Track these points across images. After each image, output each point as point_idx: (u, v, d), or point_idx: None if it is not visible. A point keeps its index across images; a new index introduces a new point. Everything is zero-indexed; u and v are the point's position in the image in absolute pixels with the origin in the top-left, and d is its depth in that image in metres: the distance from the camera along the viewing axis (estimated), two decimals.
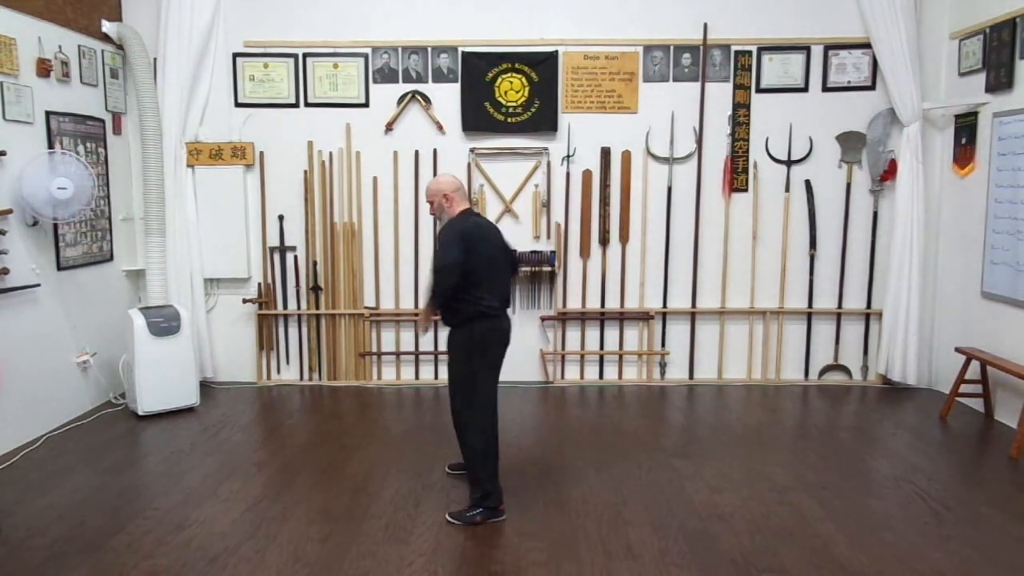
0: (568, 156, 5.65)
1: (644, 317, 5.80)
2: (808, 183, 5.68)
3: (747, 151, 5.65)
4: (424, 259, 5.72)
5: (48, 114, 4.69)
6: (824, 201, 5.70)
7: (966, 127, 5.27)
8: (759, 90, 5.61)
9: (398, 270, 5.77)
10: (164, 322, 5.06)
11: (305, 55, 5.58)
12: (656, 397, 5.54)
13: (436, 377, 5.85)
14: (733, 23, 5.53)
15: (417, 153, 5.67)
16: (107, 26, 5.30)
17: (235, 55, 5.57)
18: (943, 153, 5.55)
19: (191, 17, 5.34)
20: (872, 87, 5.57)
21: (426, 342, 5.82)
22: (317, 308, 5.80)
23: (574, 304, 5.79)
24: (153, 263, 5.45)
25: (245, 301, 5.72)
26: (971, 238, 5.20)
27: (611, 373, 5.87)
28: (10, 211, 4.36)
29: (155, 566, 3.11)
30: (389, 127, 5.65)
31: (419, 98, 5.61)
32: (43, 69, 4.63)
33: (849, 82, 5.58)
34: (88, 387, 5.13)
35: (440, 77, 5.60)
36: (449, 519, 3.49)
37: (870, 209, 5.69)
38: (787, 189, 5.70)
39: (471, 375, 3.53)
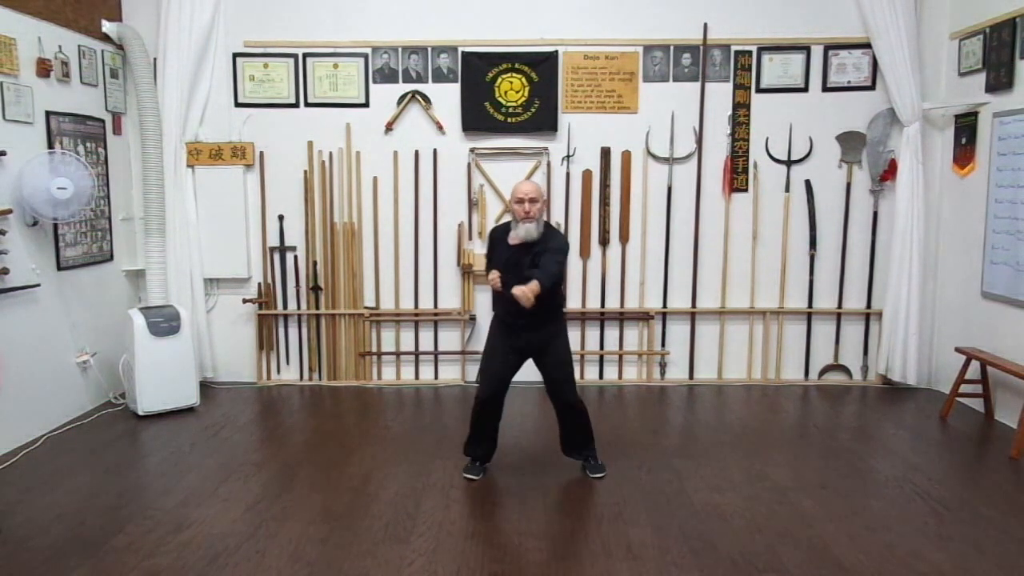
0: (568, 156, 5.65)
1: (644, 317, 5.80)
2: (808, 183, 5.69)
3: (747, 151, 5.65)
4: (423, 258, 5.74)
5: (48, 114, 4.69)
6: (824, 201, 5.70)
7: (966, 127, 5.27)
8: (759, 90, 5.61)
9: (398, 270, 5.77)
10: (164, 322, 5.06)
11: (305, 55, 5.58)
12: (656, 397, 5.54)
13: (436, 377, 5.85)
14: (733, 23, 5.53)
15: (417, 153, 5.68)
16: (107, 26, 5.30)
17: (235, 55, 5.58)
18: (943, 153, 5.55)
19: (191, 17, 5.34)
20: (872, 87, 5.57)
21: (426, 342, 5.82)
22: (317, 308, 5.80)
23: (574, 304, 5.79)
24: (153, 263, 5.45)
25: (245, 301, 5.72)
26: (971, 238, 5.20)
27: (611, 373, 5.87)
28: (10, 211, 4.36)
29: (155, 566, 3.11)
30: (389, 127, 5.65)
31: (419, 98, 5.61)
32: (43, 69, 4.63)
33: (849, 82, 5.58)
34: (88, 387, 5.13)
35: (440, 77, 5.60)
36: (597, 475, 3.98)
37: (870, 209, 5.69)
38: (787, 189, 5.70)
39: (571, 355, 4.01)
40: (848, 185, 5.68)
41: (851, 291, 5.77)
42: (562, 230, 5.69)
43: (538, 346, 3.85)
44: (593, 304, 5.80)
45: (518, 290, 3.45)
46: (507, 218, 5.63)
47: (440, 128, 5.64)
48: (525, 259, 3.70)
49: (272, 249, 5.77)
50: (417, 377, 5.87)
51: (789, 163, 5.67)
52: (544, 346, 3.85)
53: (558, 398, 3.91)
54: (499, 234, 3.93)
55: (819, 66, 5.57)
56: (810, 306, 5.78)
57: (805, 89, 5.60)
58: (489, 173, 5.67)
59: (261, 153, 5.67)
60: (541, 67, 5.55)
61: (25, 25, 4.51)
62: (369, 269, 5.79)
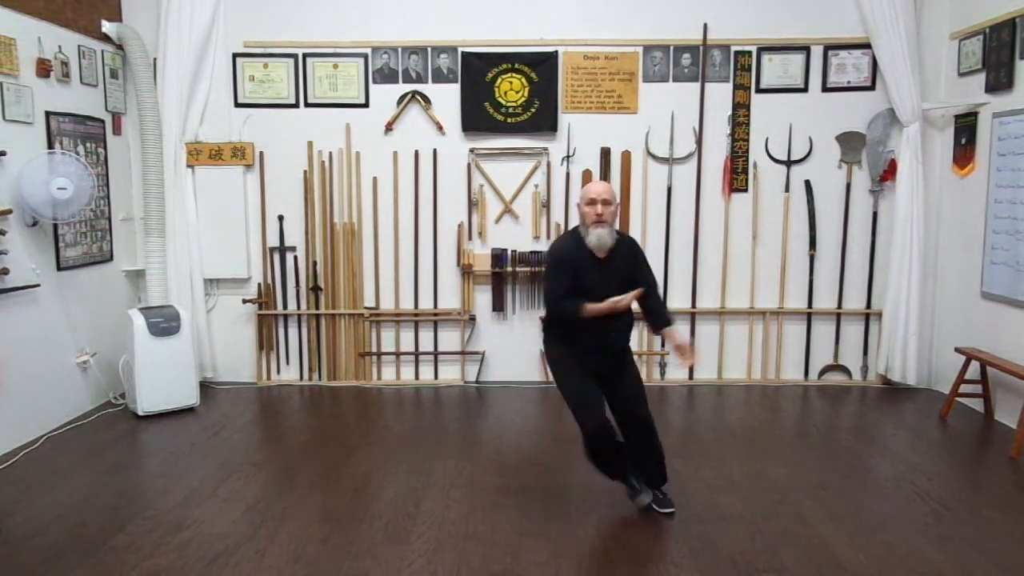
0: (568, 156, 5.65)
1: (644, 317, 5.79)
2: (808, 183, 5.69)
3: (747, 151, 5.65)
4: (424, 258, 5.74)
5: (48, 114, 4.69)
6: (824, 201, 5.69)
7: (966, 127, 5.27)
8: (759, 90, 5.61)
9: (398, 270, 5.77)
10: (164, 322, 5.06)
11: (305, 55, 5.58)
12: (656, 397, 5.52)
13: (436, 377, 5.85)
14: (733, 23, 5.53)
15: (417, 153, 5.68)
16: (107, 26, 5.30)
17: (235, 55, 5.57)
18: (943, 153, 5.55)
19: (191, 17, 5.34)
20: (872, 87, 5.57)
21: (426, 343, 5.82)
22: (317, 308, 5.80)
23: None
24: (153, 263, 5.45)
25: (245, 301, 5.72)
26: (971, 238, 5.20)
27: None
28: (10, 211, 4.36)
29: (155, 566, 3.11)
30: (389, 127, 5.65)
31: (419, 98, 5.61)
32: (43, 69, 4.63)
33: (849, 82, 5.58)
34: (88, 387, 5.13)
35: (440, 77, 5.60)
36: (667, 510, 3.53)
37: (870, 209, 5.69)
38: (787, 189, 5.70)
39: None
40: (848, 185, 5.68)
41: (851, 291, 5.77)
42: (562, 231, 5.69)
43: (616, 366, 3.51)
44: None
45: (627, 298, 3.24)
46: (507, 220, 5.71)
47: (440, 128, 5.64)
48: (617, 271, 3.38)
49: (272, 249, 5.77)
50: (417, 377, 5.87)
51: (789, 163, 5.67)
52: (620, 366, 3.53)
53: (634, 413, 3.50)
54: (572, 251, 3.41)
55: (819, 66, 5.57)
56: (810, 306, 5.78)
57: (805, 89, 5.60)
58: (489, 173, 5.67)
59: (261, 153, 5.67)
60: (541, 67, 5.55)
61: (25, 25, 4.51)
62: (369, 269, 5.79)
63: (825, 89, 5.59)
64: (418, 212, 5.72)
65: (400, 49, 5.59)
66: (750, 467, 4.15)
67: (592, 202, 3.34)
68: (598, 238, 3.32)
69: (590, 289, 3.33)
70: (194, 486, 3.90)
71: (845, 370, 5.84)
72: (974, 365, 4.93)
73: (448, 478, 3.99)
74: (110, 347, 5.26)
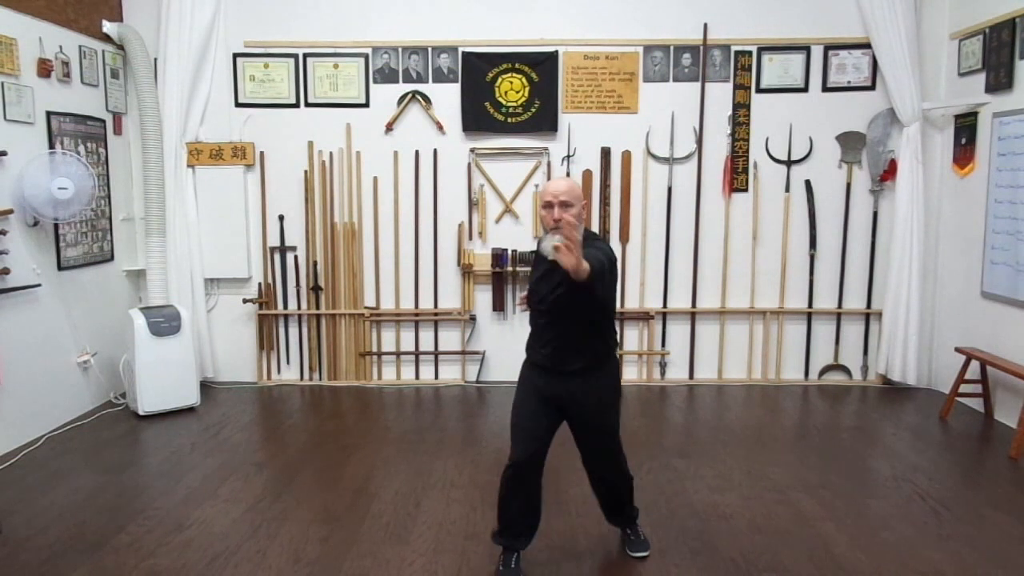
0: (568, 156, 5.65)
1: (644, 317, 5.80)
2: (808, 183, 5.69)
3: (747, 151, 5.65)
4: (423, 258, 5.74)
5: (49, 114, 4.69)
6: (824, 201, 5.70)
7: (966, 127, 5.27)
8: (759, 90, 5.61)
9: (398, 270, 5.77)
10: (164, 322, 5.06)
11: (305, 55, 5.58)
12: (656, 397, 5.54)
13: (436, 377, 5.85)
14: (733, 23, 5.53)
15: (417, 153, 5.68)
16: (108, 26, 5.30)
17: (235, 55, 5.58)
18: (943, 153, 5.55)
19: (191, 17, 5.35)
20: (872, 87, 5.57)
21: (427, 342, 5.82)
22: (317, 308, 5.80)
23: None
24: (153, 263, 5.46)
25: (245, 301, 5.73)
26: (971, 238, 5.20)
27: None
28: (11, 211, 4.36)
29: (155, 566, 3.11)
30: (389, 127, 5.65)
31: (419, 98, 5.62)
32: (44, 69, 4.64)
33: (849, 82, 5.58)
34: (88, 387, 5.13)
35: (440, 77, 5.61)
36: (640, 554, 3.20)
37: (870, 209, 5.69)
38: (787, 189, 5.70)
39: (619, 421, 3.09)
40: (848, 185, 5.68)
41: (851, 291, 5.77)
42: None
43: (579, 397, 2.93)
44: None
45: (562, 235, 2.47)
46: (508, 220, 5.71)
47: (440, 128, 5.64)
48: (556, 277, 2.73)
49: (272, 249, 5.77)
50: (417, 377, 5.88)
51: (789, 163, 5.67)
52: (584, 398, 2.93)
53: (596, 472, 3.14)
54: (538, 245, 2.91)
55: (819, 66, 5.57)
56: (810, 306, 5.78)
57: (805, 89, 5.60)
58: (489, 173, 5.67)
59: (261, 153, 5.68)
60: (541, 67, 5.55)
61: (26, 25, 4.51)
62: (369, 269, 5.79)
63: (825, 89, 5.59)
64: (418, 212, 5.72)
65: (400, 49, 5.59)
66: (750, 467, 4.15)
67: (549, 204, 2.74)
68: (551, 244, 2.60)
69: (533, 287, 2.93)
70: (194, 486, 3.90)
71: (845, 370, 5.84)
72: (974, 365, 4.94)
73: (448, 478, 3.99)
74: (111, 347, 5.26)
